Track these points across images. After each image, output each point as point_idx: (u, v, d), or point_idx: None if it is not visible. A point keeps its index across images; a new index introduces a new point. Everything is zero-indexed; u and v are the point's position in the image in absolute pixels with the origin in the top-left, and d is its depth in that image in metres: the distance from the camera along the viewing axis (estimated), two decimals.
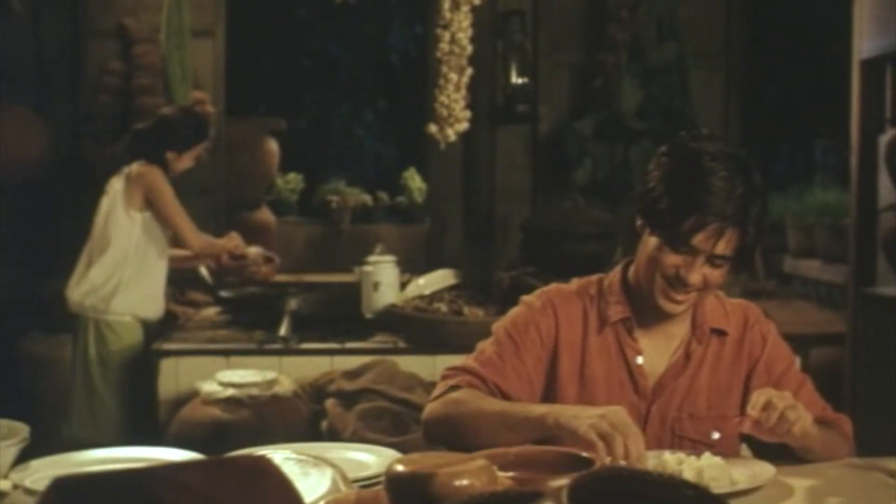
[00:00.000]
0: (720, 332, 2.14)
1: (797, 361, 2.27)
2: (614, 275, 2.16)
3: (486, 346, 2.15)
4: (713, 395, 2.12)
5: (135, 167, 4.22)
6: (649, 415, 2.09)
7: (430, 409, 2.07)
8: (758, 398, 1.90)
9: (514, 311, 2.18)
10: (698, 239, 1.95)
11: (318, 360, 3.98)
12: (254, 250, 4.57)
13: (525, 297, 2.19)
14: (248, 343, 4.05)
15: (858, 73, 4.61)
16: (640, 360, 2.10)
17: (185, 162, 4.29)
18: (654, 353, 2.12)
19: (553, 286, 2.21)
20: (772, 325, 2.21)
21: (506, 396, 2.06)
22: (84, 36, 5.74)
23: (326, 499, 1.58)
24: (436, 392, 2.10)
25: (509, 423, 1.93)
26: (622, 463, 1.74)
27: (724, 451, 2.01)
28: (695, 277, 1.99)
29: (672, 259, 1.99)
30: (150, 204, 4.18)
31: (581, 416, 1.83)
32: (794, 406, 1.89)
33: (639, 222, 2.07)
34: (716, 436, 2.09)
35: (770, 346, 2.15)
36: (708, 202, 1.93)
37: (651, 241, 2.03)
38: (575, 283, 2.20)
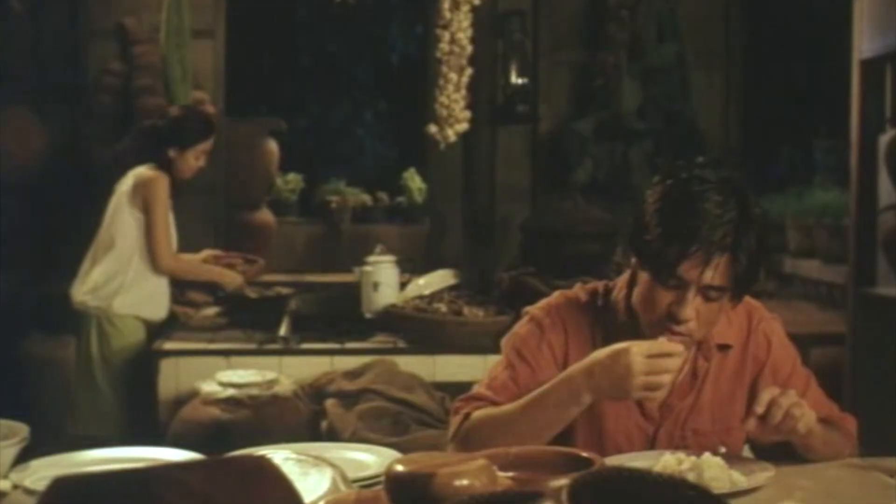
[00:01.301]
0: (725, 347, 2.10)
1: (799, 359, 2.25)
2: (620, 290, 2.09)
3: (497, 371, 2.08)
4: (716, 409, 2.09)
5: (143, 170, 4.21)
6: (657, 437, 2.07)
7: (455, 448, 1.99)
8: (763, 396, 1.89)
9: (523, 329, 2.11)
10: (684, 267, 1.88)
11: (318, 361, 3.98)
12: (235, 261, 4.59)
13: (533, 313, 2.12)
14: (248, 343, 4.05)
15: (858, 73, 4.61)
16: None
17: (189, 160, 4.26)
18: None
19: (559, 297, 2.15)
20: (776, 321, 2.17)
21: None
22: (84, 36, 5.74)
23: (326, 499, 1.58)
24: (452, 429, 2.03)
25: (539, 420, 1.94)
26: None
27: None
28: (687, 312, 1.91)
29: (663, 296, 1.93)
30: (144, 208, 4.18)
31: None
32: (798, 403, 1.89)
33: (633, 260, 2.01)
34: (722, 450, 2.05)
35: (775, 349, 2.13)
36: (694, 226, 1.86)
37: (643, 279, 1.97)
38: (580, 290, 2.14)
